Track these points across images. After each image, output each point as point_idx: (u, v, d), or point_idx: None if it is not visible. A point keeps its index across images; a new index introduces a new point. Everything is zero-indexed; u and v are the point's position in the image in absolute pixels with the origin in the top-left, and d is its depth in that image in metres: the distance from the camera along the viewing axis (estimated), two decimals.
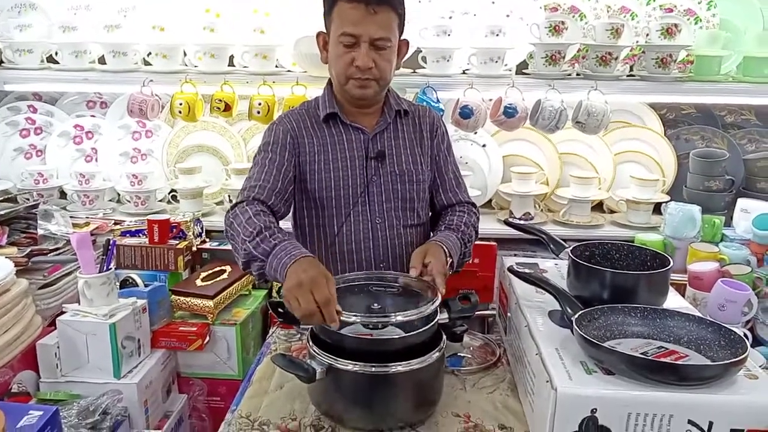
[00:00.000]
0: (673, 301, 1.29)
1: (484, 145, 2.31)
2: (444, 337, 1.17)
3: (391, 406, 1.09)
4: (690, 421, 0.93)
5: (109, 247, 1.54)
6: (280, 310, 1.17)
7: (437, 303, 1.15)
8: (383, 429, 1.10)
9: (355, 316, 1.08)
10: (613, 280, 1.20)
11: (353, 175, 1.44)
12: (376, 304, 1.15)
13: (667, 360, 1.02)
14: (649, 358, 1.01)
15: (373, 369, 1.06)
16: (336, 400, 1.11)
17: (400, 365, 1.07)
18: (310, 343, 1.13)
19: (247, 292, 1.94)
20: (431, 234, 1.52)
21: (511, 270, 1.33)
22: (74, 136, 2.36)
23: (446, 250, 1.37)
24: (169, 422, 1.62)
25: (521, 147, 2.36)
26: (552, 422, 0.95)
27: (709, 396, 0.93)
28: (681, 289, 1.66)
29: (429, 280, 1.26)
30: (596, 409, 0.94)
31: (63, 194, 2.33)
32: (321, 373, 1.07)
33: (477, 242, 1.96)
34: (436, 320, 1.15)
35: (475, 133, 2.25)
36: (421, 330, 1.11)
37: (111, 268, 1.55)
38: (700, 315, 1.13)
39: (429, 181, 1.55)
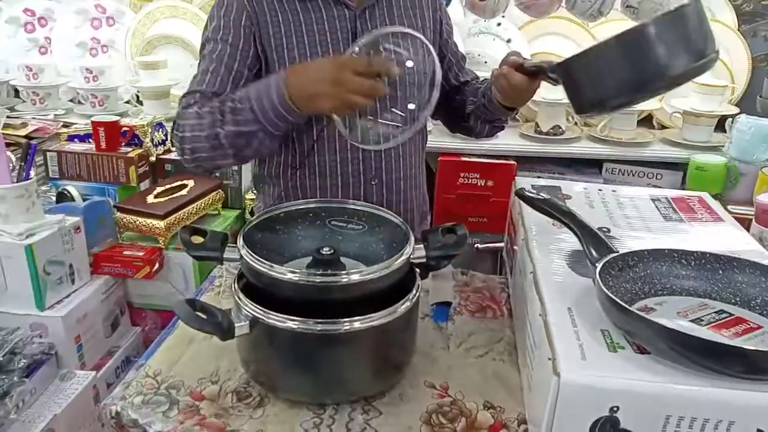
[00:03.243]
0: (739, 242, 0.95)
1: (508, 40, 1.91)
2: (419, 281, 0.86)
3: (341, 374, 0.81)
4: (760, 431, 0.61)
5: (29, 151, 1.25)
6: (194, 239, 0.87)
7: (409, 249, 0.84)
8: (328, 402, 0.82)
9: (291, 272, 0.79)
10: None
11: None
12: (326, 248, 0.85)
13: (729, 340, 0.69)
14: (700, 335, 0.68)
15: (318, 327, 0.76)
16: (266, 362, 0.83)
17: (356, 321, 0.77)
18: (236, 287, 0.83)
19: (215, 212, 1.66)
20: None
21: (520, 194, 0.99)
22: (25, 22, 2.04)
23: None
24: (111, 361, 1.39)
25: (554, 42, 1.95)
26: (551, 419, 0.65)
27: None
28: (745, 225, 1.31)
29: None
30: (618, 408, 0.62)
31: (17, 92, 2.04)
32: (242, 329, 0.78)
33: (492, 161, 1.65)
34: (404, 257, 0.83)
35: (499, 25, 1.85)
36: (385, 272, 0.80)
37: (31, 178, 1.27)
38: None
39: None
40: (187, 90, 1.11)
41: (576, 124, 1.93)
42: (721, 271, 0.80)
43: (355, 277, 0.79)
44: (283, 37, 1.10)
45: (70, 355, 1.29)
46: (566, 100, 1.79)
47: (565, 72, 0.92)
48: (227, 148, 1.03)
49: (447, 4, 1.80)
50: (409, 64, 1.08)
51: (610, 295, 0.68)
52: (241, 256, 0.82)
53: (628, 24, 1.83)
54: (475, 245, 1.73)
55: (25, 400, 1.15)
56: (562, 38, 1.96)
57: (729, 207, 1.57)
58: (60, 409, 1.18)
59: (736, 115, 1.70)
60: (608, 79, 0.86)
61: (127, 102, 2.05)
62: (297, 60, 1.10)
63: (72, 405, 1.20)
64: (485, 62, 1.85)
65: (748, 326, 0.72)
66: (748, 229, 1.34)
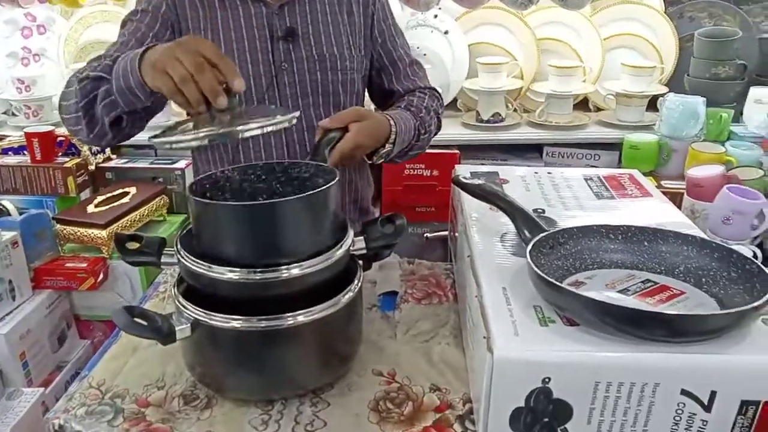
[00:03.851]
0: (666, 215, 0.99)
1: (446, 32, 1.93)
2: (360, 272, 0.87)
3: (287, 369, 0.81)
4: (684, 391, 0.65)
5: None
6: (130, 245, 0.86)
7: (349, 241, 0.85)
8: (276, 398, 0.82)
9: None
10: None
11: (254, 60, 1.10)
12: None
13: (653, 308, 0.72)
14: (626, 303, 0.71)
15: (262, 324, 0.76)
16: (211, 363, 0.82)
17: (299, 315, 0.77)
18: (176, 291, 0.83)
19: (160, 218, 1.63)
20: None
21: (455, 181, 1.01)
22: None
23: (392, 123, 1.06)
24: (61, 375, 1.35)
25: (491, 32, 1.99)
26: (488, 395, 0.67)
27: (712, 356, 0.64)
28: (677, 200, 1.37)
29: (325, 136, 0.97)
30: (550, 379, 0.65)
31: None
32: (183, 332, 0.78)
33: (436, 150, 1.67)
34: (344, 249, 0.84)
35: (435, 17, 1.87)
36: (326, 265, 0.81)
37: None
38: (703, 236, 0.82)
39: (362, 70, 1.21)
40: (93, 57, 1.06)
41: (515, 110, 1.97)
42: (646, 243, 0.83)
43: (296, 272, 0.79)
44: (201, 31, 1.09)
45: (16, 372, 1.25)
46: (505, 88, 1.85)
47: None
48: (79, 96, 0.96)
49: None
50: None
51: (539, 272, 0.71)
52: (178, 260, 0.81)
53: (562, 11, 1.88)
54: (425, 235, 1.76)
55: None
56: (498, 27, 1.99)
57: (662, 182, 1.64)
58: (8, 429, 1.14)
59: (666, 93, 1.76)
60: None
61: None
62: None
63: (20, 423, 1.17)
64: (424, 54, 1.86)
65: (672, 293, 0.76)
66: (680, 202, 1.41)
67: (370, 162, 1.14)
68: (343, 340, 0.86)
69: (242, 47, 1.10)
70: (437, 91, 1.28)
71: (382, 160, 1.12)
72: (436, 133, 1.26)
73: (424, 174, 1.75)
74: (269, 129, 0.80)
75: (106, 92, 0.93)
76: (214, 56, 0.79)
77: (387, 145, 1.08)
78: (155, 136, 0.81)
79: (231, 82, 0.79)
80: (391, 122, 1.08)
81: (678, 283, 0.78)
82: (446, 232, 1.45)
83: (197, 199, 0.79)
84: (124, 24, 1.10)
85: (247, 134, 0.78)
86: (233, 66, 0.80)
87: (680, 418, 0.65)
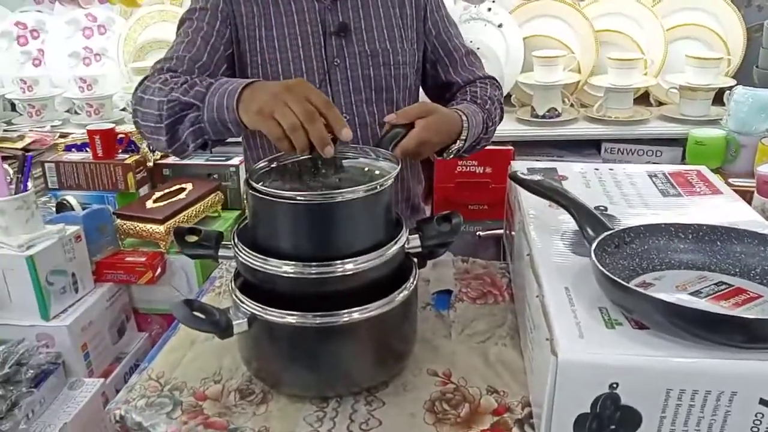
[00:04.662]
0: (738, 213, 0.93)
1: (500, 25, 1.89)
2: (416, 270, 0.86)
3: (342, 366, 0.80)
4: (763, 401, 0.61)
5: (25, 163, 1.26)
6: (189, 238, 0.87)
7: (403, 238, 0.83)
8: (330, 395, 0.82)
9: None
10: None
11: (307, 56, 1.10)
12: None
13: (728, 311, 0.68)
14: (699, 306, 0.67)
15: (317, 320, 0.76)
16: (267, 358, 0.83)
17: (354, 312, 0.76)
18: (233, 285, 0.83)
19: (215, 214, 1.65)
20: None
21: (513, 177, 0.99)
22: (17, 35, 2.05)
23: (463, 118, 1.04)
24: (120, 366, 1.39)
25: (546, 25, 1.93)
26: (551, 399, 0.64)
27: None
28: (747, 198, 1.29)
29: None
30: (617, 384, 0.62)
31: (14, 106, 2.05)
32: (240, 326, 0.78)
33: (490, 147, 1.63)
34: (398, 246, 0.83)
35: (489, 10, 1.83)
36: (379, 261, 0.80)
37: (28, 189, 1.27)
38: None
39: (414, 64, 1.19)
40: (163, 56, 1.08)
41: (572, 105, 1.91)
42: (719, 243, 0.79)
43: (350, 267, 0.78)
44: (256, 28, 1.10)
45: (78, 363, 1.29)
46: (561, 82, 1.80)
47: None
48: (165, 113, 0.95)
49: None
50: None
51: (606, 272, 0.68)
52: (235, 253, 0.82)
53: (621, 2, 1.82)
54: (477, 233, 1.73)
55: (35, 410, 1.15)
56: (555, 19, 1.94)
57: (730, 180, 1.56)
58: (69, 418, 1.18)
59: (733, 87, 1.68)
60: None
61: (123, 109, 2.04)
62: (266, 50, 1.09)
63: (81, 413, 1.21)
64: (478, 48, 1.82)
65: (748, 296, 0.71)
66: (750, 201, 1.33)
67: (439, 158, 1.12)
68: (397, 339, 0.84)
69: (295, 43, 1.10)
70: (497, 81, 1.25)
71: (452, 156, 1.09)
72: (499, 122, 1.23)
73: (477, 171, 1.72)
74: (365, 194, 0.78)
75: (196, 119, 0.93)
76: (323, 105, 0.79)
77: (458, 141, 1.05)
78: (254, 178, 0.81)
79: (338, 133, 0.79)
80: (463, 117, 1.04)
81: (754, 285, 0.74)
82: (500, 231, 1.42)
83: (254, 193, 0.79)
84: (182, 22, 1.12)
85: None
86: (341, 115, 0.80)
87: (758, 428, 0.62)
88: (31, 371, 1.16)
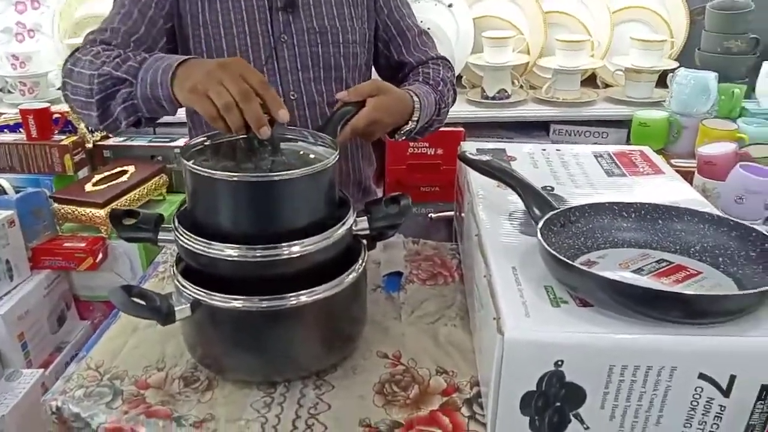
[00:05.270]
0: (679, 193, 0.96)
1: (450, 5, 1.88)
2: (365, 252, 0.85)
3: (290, 350, 0.79)
4: (702, 375, 0.62)
5: None
6: (126, 221, 0.83)
7: (351, 220, 0.82)
8: (278, 380, 0.80)
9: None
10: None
11: (253, 31, 1.06)
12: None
13: (669, 287, 0.70)
14: (641, 283, 0.69)
15: (264, 303, 0.74)
16: (212, 344, 0.80)
17: (302, 295, 0.75)
18: (175, 270, 0.80)
19: (159, 197, 1.60)
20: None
21: (462, 157, 0.98)
22: None
23: (415, 99, 1.02)
24: (61, 356, 1.34)
25: (496, 6, 1.93)
26: (498, 378, 0.64)
27: (732, 339, 0.62)
28: (688, 178, 1.33)
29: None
30: (562, 362, 0.63)
31: None
32: (183, 312, 0.76)
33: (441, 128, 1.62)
34: (346, 227, 0.81)
35: None
36: (327, 243, 0.78)
37: None
38: (720, 214, 0.80)
39: (365, 42, 1.17)
40: (96, 28, 1.03)
41: (522, 87, 1.93)
42: (660, 221, 0.80)
43: (296, 249, 0.76)
44: (198, 1, 1.05)
45: (15, 353, 1.24)
46: (511, 63, 1.81)
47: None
48: (96, 88, 0.91)
49: None
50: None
51: (551, 250, 0.68)
52: (176, 237, 0.79)
53: None
54: (429, 215, 1.73)
55: None
56: (504, 0, 1.94)
57: (672, 161, 1.60)
58: (7, 410, 1.13)
59: (676, 69, 1.72)
60: None
61: (59, 88, 1.95)
62: (209, 24, 1.05)
63: (20, 404, 1.16)
64: (428, 29, 1.81)
65: (688, 273, 0.73)
66: (691, 181, 1.38)
67: (391, 140, 1.10)
68: (347, 321, 0.84)
69: (240, 18, 1.06)
70: (449, 61, 1.23)
71: (404, 137, 1.08)
72: (451, 105, 1.22)
73: (429, 153, 1.71)
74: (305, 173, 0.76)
75: (128, 95, 0.90)
76: (259, 85, 0.77)
77: (410, 122, 1.04)
78: (185, 155, 0.79)
79: (275, 113, 0.77)
80: (414, 98, 1.03)
81: (694, 262, 0.76)
82: (451, 213, 1.42)
83: (192, 167, 0.76)
84: None
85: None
86: (277, 96, 0.78)
87: (697, 402, 0.63)
88: None
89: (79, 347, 1.41)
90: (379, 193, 1.58)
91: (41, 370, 1.25)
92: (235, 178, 0.76)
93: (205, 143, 0.85)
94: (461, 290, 1.00)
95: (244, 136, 0.80)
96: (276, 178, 0.75)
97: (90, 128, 1.57)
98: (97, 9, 1.92)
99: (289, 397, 0.78)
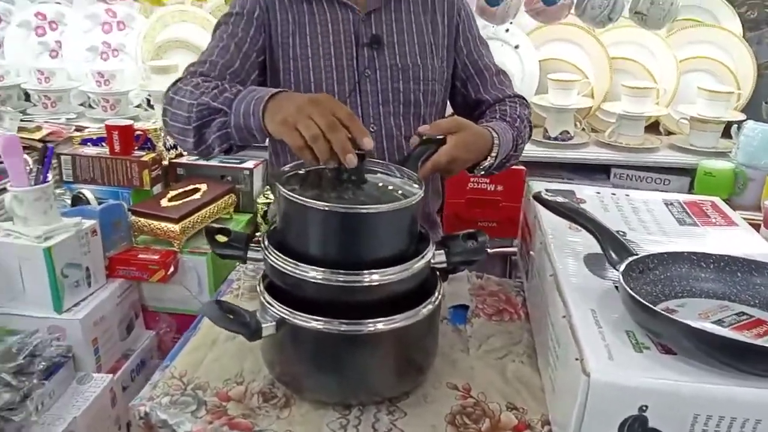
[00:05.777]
0: (753, 246, 0.96)
1: (516, 46, 1.93)
2: (440, 284, 0.87)
3: (365, 375, 0.82)
4: None
5: (46, 154, 1.26)
6: (219, 238, 0.88)
7: (430, 252, 0.84)
8: (353, 403, 0.83)
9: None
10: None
11: (339, 66, 1.12)
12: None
13: (753, 340, 0.70)
14: (725, 333, 0.69)
15: (343, 327, 0.77)
16: (291, 362, 0.83)
17: (379, 322, 0.78)
18: (261, 288, 0.84)
19: (227, 215, 1.66)
20: None
21: (537, 197, 1.00)
22: (36, 26, 2.05)
23: (494, 135, 1.05)
24: (127, 363, 1.39)
25: (562, 49, 1.97)
26: (580, 418, 0.66)
27: None
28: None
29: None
30: (647, 407, 0.64)
31: (28, 96, 2.05)
32: (269, 329, 0.79)
33: None
34: (425, 260, 0.84)
35: (507, 31, 1.86)
36: (406, 275, 0.81)
37: (48, 180, 1.28)
38: None
39: (443, 81, 1.21)
40: (197, 60, 1.10)
41: (584, 129, 1.94)
42: (739, 274, 0.81)
43: (376, 277, 0.79)
44: (290, 36, 1.12)
45: (88, 357, 1.29)
46: (575, 106, 1.83)
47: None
48: (194, 117, 0.97)
49: None
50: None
51: (636, 296, 0.69)
52: (265, 256, 0.83)
53: (636, 31, 1.85)
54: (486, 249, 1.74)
55: (44, 402, 1.15)
56: (571, 44, 1.97)
57: (738, 212, 1.58)
58: (79, 412, 1.18)
59: (743, 120, 1.71)
60: None
61: (138, 106, 2.05)
62: (298, 58, 1.11)
63: (90, 408, 1.21)
64: None
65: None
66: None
67: (470, 174, 1.13)
68: (420, 351, 0.86)
69: (327, 52, 1.11)
70: (525, 100, 1.26)
71: (482, 173, 1.11)
72: (527, 141, 1.24)
73: (489, 189, 1.74)
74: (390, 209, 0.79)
75: (223, 124, 0.96)
76: (347, 118, 0.80)
77: (489, 158, 1.06)
78: (281, 181, 0.82)
79: (360, 141, 0.80)
80: (494, 134, 1.06)
81: None
82: (509, 249, 1.44)
83: (288, 194, 0.80)
84: (218, 26, 1.13)
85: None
86: (363, 126, 0.82)
87: None
88: (43, 363, 1.16)
89: (145, 355, 1.47)
90: None
91: (110, 375, 1.30)
92: (327, 208, 0.79)
93: (299, 171, 0.89)
94: (527, 329, 1.02)
95: (332, 167, 0.83)
96: (364, 211, 0.79)
97: (186, 152, 1.64)
98: (179, 34, 2.03)
99: (363, 421, 0.80)
